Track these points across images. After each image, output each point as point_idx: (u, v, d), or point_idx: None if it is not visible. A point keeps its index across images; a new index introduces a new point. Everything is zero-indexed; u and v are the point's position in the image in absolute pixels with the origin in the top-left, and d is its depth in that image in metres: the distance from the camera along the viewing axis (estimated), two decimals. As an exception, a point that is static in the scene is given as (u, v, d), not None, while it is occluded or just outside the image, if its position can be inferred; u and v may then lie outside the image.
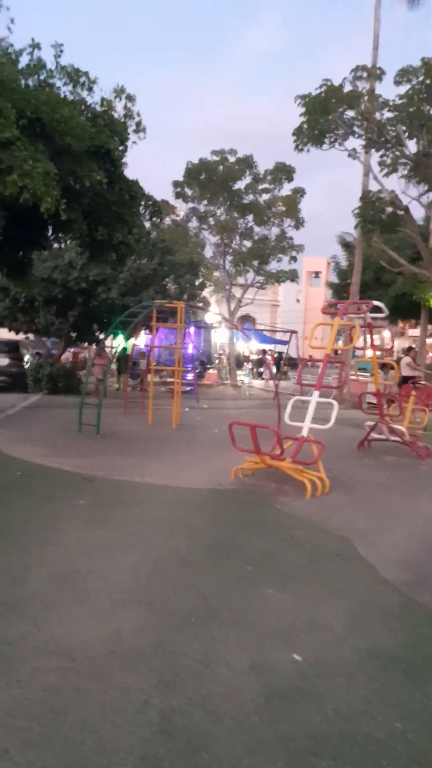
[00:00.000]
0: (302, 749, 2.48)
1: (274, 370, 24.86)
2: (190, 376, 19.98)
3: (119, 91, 10.78)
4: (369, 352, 10.30)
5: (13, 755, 2.35)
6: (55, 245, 14.08)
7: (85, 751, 2.41)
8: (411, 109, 13.30)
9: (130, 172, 11.21)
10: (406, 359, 15.38)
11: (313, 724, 2.65)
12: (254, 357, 33.42)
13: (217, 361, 32.09)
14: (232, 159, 24.35)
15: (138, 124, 11.03)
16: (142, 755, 2.40)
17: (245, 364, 32.83)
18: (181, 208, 26.84)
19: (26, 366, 19.59)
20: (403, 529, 5.68)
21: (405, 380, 14.06)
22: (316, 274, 55.48)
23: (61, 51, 10.09)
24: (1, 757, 2.34)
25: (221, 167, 24.09)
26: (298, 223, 24.61)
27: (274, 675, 3.02)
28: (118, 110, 10.85)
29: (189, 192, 24.88)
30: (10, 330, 20.25)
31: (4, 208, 8.95)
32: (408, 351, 16.95)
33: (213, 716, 2.67)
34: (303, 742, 2.52)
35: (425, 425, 12.06)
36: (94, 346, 22.34)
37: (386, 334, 16.84)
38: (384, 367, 14.09)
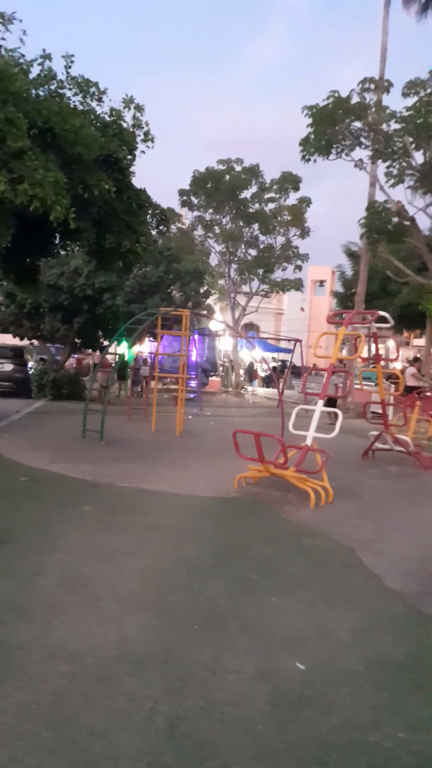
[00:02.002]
0: (309, 757, 2.49)
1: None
2: (193, 384, 20.02)
3: (128, 101, 10.91)
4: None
5: (21, 759, 2.37)
6: (62, 252, 14.20)
7: (93, 757, 2.43)
8: (418, 121, 13.39)
9: (137, 180, 11.34)
10: (411, 369, 15.37)
11: (319, 732, 2.66)
12: (262, 373, 33.04)
13: (221, 369, 32.09)
14: (238, 168, 24.52)
15: (146, 133, 11.15)
16: (149, 761, 2.41)
17: (254, 379, 32.38)
18: (187, 216, 27.01)
19: (30, 372, 19.67)
20: (407, 538, 5.68)
21: (410, 390, 14.05)
22: (321, 283, 55.56)
23: (72, 62, 10.22)
24: (10, 761, 2.35)
25: (227, 176, 24.25)
26: (304, 233, 24.72)
27: (281, 682, 3.03)
28: (127, 120, 10.99)
29: (195, 200, 25.04)
30: (14, 336, 20.35)
31: (14, 216, 9.05)
32: (414, 361, 16.95)
33: (220, 723, 2.68)
34: (309, 750, 2.54)
35: (430, 435, 12.06)
36: (98, 353, 22.42)
37: (391, 344, 16.84)
38: (390, 378, 14.13)
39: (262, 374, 32.54)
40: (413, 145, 14.04)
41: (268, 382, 31.15)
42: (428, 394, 14.25)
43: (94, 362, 23.53)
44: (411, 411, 11.36)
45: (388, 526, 6.12)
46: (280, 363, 32.14)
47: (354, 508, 6.79)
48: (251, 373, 32.04)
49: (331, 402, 15.71)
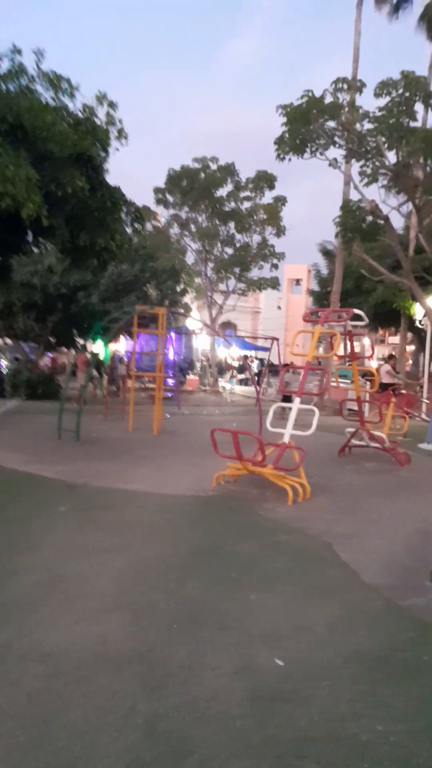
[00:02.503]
0: (287, 752, 2.51)
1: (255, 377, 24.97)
2: (171, 382, 19.97)
3: (101, 98, 10.83)
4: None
5: (-2, 762, 2.33)
6: (35, 250, 14.04)
7: (71, 757, 2.40)
8: (391, 121, 13.54)
9: (112, 177, 11.27)
10: (386, 367, 15.57)
11: (298, 726, 2.68)
12: (235, 363, 33.44)
13: (199, 367, 32.09)
14: (213, 166, 24.50)
15: (120, 131, 11.08)
16: (128, 760, 2.40)
17: (227, 371, 32.83)
18: (163, 214, 26.91)
19: (4, 371, 19.40)
20: (383, 533, 5.75)
21: (385, 387, 14.23)
22: (297, 281, 55.85)
23: (42, 57, 10.11)
24: (-14, 764, 2.32)
25: (203, 174, 24.22)
26: (280, 231, 24.82)
27: (259, 678, 3.04)
28: (101, 117, 10.90)
29: (170, 199, 24.96)
30: (-13, 335, 20.07)
31: (-15, 213, 8.91)
32: (389, 359, 17.16)
33: (199, 720, 2.68)
34: (288, 745, 2.55)
35: (405, 432, 12.23)
36: (73, 352, 22.23)
37: (366, 341, 17.06)
38: (365, 375, 14.27)
39: (241, 375, 32.69)
40: (386, 145, 14.20)
41: (241, 371, 31.33)
42: (403, 391, 14.46)
43: (71, 361, 23.30)
44: (386, 408, 11.50)
45: (364, 521, 6.19)
46: (258, 361, 32.27)
47: (331, 503, 6.84)
48: (222, 368, 32.21)
49: (287, 399, 15.94)
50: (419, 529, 5.88)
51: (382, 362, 17.74)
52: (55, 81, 10.40)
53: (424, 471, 9.21)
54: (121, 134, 11.20)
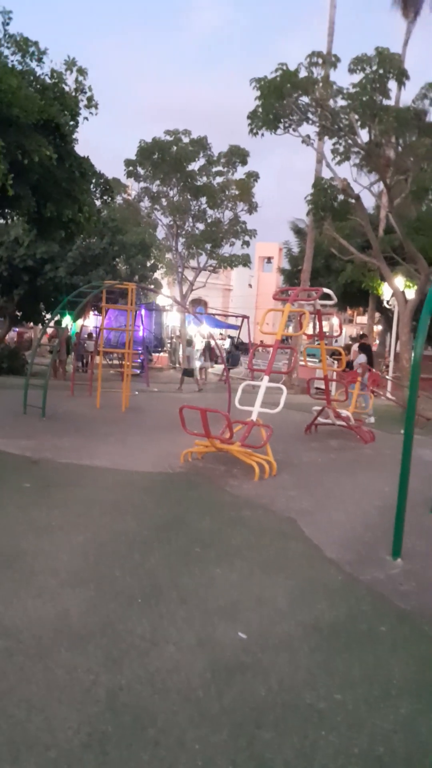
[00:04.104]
0: (246, 720, 2.56)
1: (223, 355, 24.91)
2: (140, 359, 19.82)
3: (70, 64, 10.43)
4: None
5: None
6: (0, 221, 13.62)
7: (31, 729, 2.41)
8: (364, 98, 13.44)
9: (80, 148, 10.94)
10: (356, 346, 15.72)
11: (257, 696, 2.73)
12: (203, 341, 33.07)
13: (169, 345, 31.87)
14: (186, 140, 24.03)
15: (90, 99, 10.72)
16: (89, 731, 2.42)
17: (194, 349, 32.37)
18: (133, 187, 26.36)
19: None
20: (346, 509, 5.86)
21: (352, 366, 14.38)
22: (269, 259, 55.69)
23: (10, 18, 9.68)
24: None
25: (174, 147, 23.76)
26: (252, 208, 24.61)
27: (220, 650, 3.09)
28: (69, 83, 10.52)
29: (141, 171, 24.45)
30: None
31: None
32: (360, 338, 17.33)
33: (160, 692, 2.71)
34: (247, 714, 2.60)
35: (370, 410, 12.43)
36: (39, 327, 21.81)
37: (335, 321, 17.17)
38: (333, 354, 14.37)
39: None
40: (359, 123, 14.13)
41: (208, 347, 31.12)
42: (371, 370, 14.63)
43: (37, 336, 22.87)
44: (353, 387, 11.65)
45: (328, 497, 6.30)
46: (229, 339, 32.17)
47: (296, 480, 6.94)
48: (210, 352, 32.00)
49: (188, 372, 16.06)
50: (380, 505, 6.01)
51: (354, 344, 17.87)
52: (22, 44, 9.97)
53: (387, 448, 9.39)
54: (91, 102, 10.83)
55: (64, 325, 14.21)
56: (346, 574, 4.24)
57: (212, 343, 32.07)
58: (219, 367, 28.00)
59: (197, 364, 17.97)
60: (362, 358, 13.33)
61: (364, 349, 14.51)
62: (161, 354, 29.27)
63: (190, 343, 18.57)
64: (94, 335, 19.53)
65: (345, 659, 3.10)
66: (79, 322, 18.31)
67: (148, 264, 23.47)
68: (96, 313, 20.87)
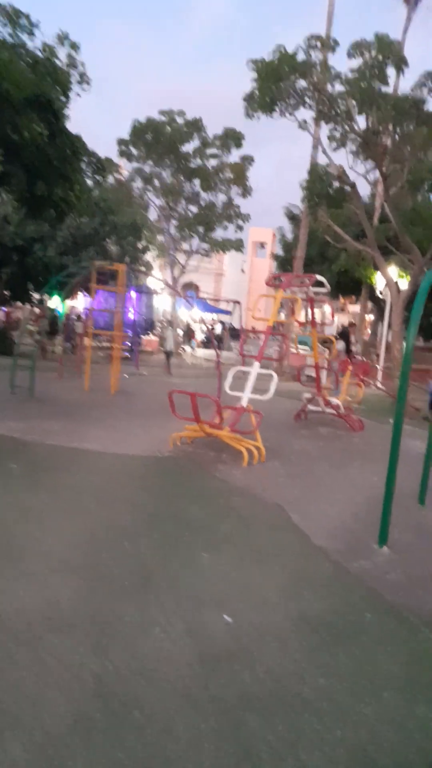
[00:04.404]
0: (233, 708, 2.57)
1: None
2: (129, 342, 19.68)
3: (62, 38, 10.21)
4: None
5: None
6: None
7: (18, 713, 2.40)
8: (362, 85, 13.29)
9: (73, 126, 10.78)
10: (341, 343, 15.73)
11: (244, 684, 2.74)
12: (195, 326, 33.00)
13: (159, 328, 31.70)
14: (180, 120, 23.71)
15: (82, 75, 10.53)
16: (76, 717, 2.42)
17: (191, 339, 32.16)
18: (126, 167, 26.01)
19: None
20: (335, 498, 5.88)
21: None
22: (262, 245, 55.35)
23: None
24: None
25: (169, 128, 23.44)
26: (246, 192, 24.43)
27: (208, 638, 3.09)
28: (61, 59, 10.30)
29: (134, 151, 24.11)
30: None
31: None
32: (349, 326, 17.34)
33: (147, 679, 2.71)
34: (234, 701, 2.61)
35: (360, 399, 12.47)
36: (28, 306, 21.58)
37: (327, 309, 17.12)
38: (324, 342, 14.34)
39: (201, 336, 32.42)
40: (356, 109, 13.97)
41: (207, 343, 31.08)
42: (360, 359, 14.68)
43: (25, 316, 22.60)
44: (343, 375, 11.67)
45: (317, 485, 6.32)
46: (221, 324, 32.03)
47: (285, 467, 6.95)
48: (189, 334, 31.85)
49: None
50: (368, 494, 6.03)
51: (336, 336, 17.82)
52: (13, 16, 9.71)
53: (376, 437, 9.43)
54: (83, 78, 10.63)
55: (53, 306, 14.07)
56: (334, 563, 4.26)
57: (194, 326, 31.98)
58: (206, 352, 27.96)
59: (170, 345, 17.94)
60: (340, 344, 13.35)
61: (343, 335, 14.53)
62: (151, 337, 29.10)
63: (170, 323, 18.50)
64: (83, 316, 19.35)
65: (332, 648, 3.12)
66: (68, 302, 18.12)
67: (140, 245, 23.25)
68: (85, 294, 20.66)
